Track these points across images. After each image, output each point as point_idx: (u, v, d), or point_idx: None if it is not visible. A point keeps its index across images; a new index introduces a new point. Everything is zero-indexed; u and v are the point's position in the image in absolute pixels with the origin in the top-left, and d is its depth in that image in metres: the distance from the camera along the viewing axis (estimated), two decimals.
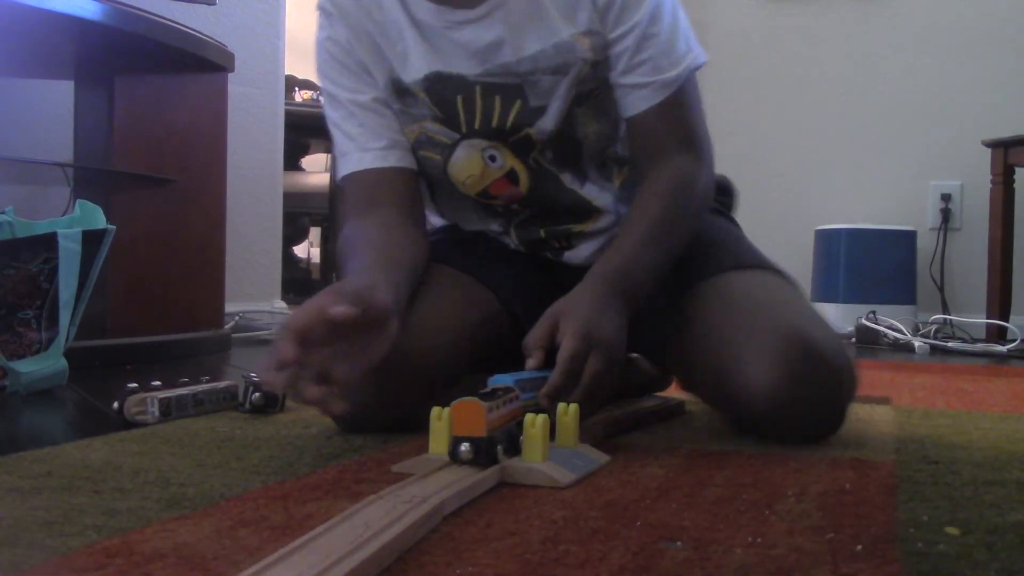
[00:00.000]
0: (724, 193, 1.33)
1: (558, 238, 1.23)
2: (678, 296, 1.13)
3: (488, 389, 0.86)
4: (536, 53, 1.10)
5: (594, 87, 1.14)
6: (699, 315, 1.11)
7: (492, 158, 1.16)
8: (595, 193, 1.20)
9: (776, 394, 0.99)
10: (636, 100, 1.12)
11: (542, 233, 1.22)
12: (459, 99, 1.13)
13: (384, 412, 1.05)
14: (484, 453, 0.80)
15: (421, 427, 0.89)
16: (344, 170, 1.17)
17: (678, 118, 1.13)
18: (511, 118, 1.13)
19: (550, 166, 1.18)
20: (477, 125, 1.14)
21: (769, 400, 1.00)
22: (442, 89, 1.13)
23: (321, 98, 1.27)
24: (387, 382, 1.00)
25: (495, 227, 1.25)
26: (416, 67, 1.13)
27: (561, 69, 1.11)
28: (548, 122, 1.13)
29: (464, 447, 0.80)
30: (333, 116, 1.18)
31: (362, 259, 1.05)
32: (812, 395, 1.00)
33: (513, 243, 1.25)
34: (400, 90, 1.15)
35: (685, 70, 1.12)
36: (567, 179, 1.19)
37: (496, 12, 1.10)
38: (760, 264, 1.18)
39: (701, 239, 1.17)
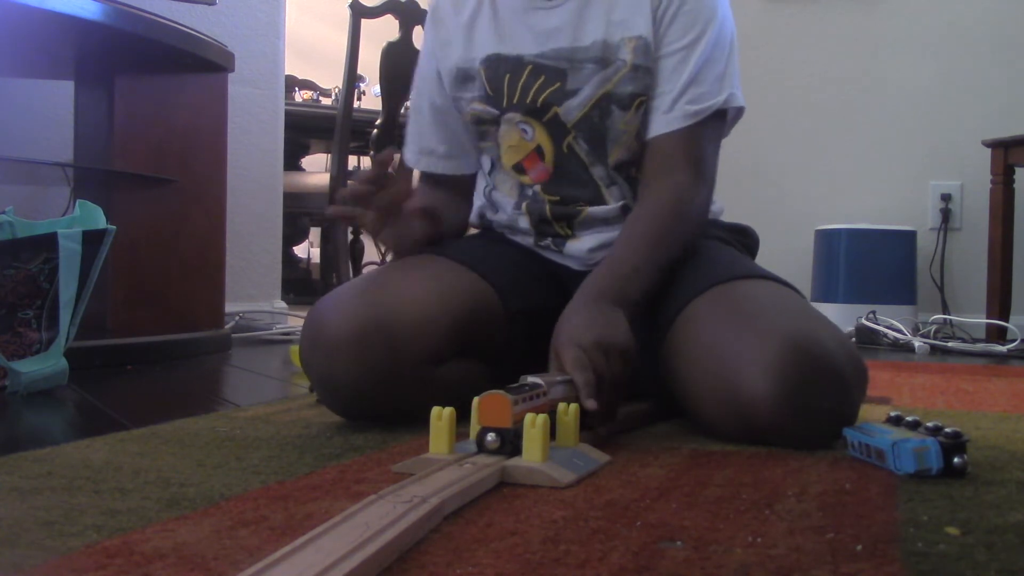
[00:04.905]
0: (744, 235, 1.35)
1: (563, 219, 1.26)
2: (674, 314, 1.11)
3: (516, 384, 0.91)
4: (589, 44, 1.21)
5: (635, 93, 1.21)
6: (695, 326, 1.08)
7: (524, 131, 1.26)
8: (615, 196, 1.25)
9: (778, 403, 0.97)
10: (658, 124, 1.21)
11: (548, 212, 1.26)
12: (507, 77, 1.25)
13: (370, 385, 1.07)
14: (509, 443, 0.85)
15: (421, 426, 0.89)
16: (407, 153, 1.38)
17: (691, 146, 1.21)
18: (543, 96, 1.23)
19: (584, 156, 1.25)
20: (515, 100, 1.25)
21: (771, 409, 0.97)
22: (497, 68, 1.25)
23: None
24: (363, 344, 1.07)
25: (514, 204, 1.30)
26: (481, 48, 1.26)
27: (602, 62, 1.21)
28: (575, 105, 1.22)
29: (491, 436, 0.85)
30: (415, 100, 1.37)
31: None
32: (816, 402, 0.97)
33: (524, 224, 1.29)
34: (463, 77, 1.28)
35: (711, 107, 1.20)
36: (597, 172, 1.25)
37: (570, 2, 1.22)
38: (762, 275, 1.16)
39: (700, 261, 1.18)
